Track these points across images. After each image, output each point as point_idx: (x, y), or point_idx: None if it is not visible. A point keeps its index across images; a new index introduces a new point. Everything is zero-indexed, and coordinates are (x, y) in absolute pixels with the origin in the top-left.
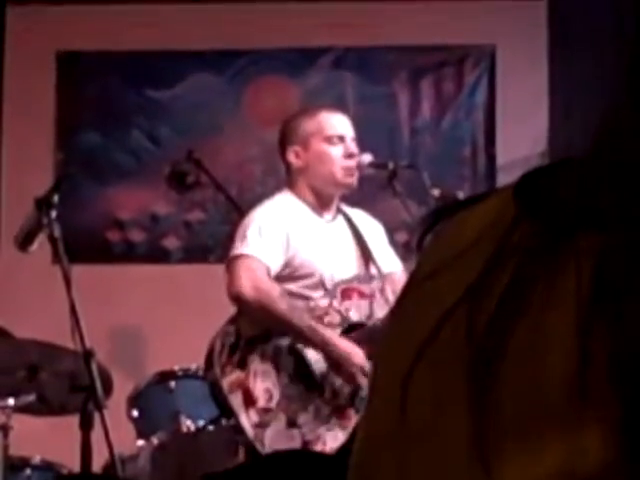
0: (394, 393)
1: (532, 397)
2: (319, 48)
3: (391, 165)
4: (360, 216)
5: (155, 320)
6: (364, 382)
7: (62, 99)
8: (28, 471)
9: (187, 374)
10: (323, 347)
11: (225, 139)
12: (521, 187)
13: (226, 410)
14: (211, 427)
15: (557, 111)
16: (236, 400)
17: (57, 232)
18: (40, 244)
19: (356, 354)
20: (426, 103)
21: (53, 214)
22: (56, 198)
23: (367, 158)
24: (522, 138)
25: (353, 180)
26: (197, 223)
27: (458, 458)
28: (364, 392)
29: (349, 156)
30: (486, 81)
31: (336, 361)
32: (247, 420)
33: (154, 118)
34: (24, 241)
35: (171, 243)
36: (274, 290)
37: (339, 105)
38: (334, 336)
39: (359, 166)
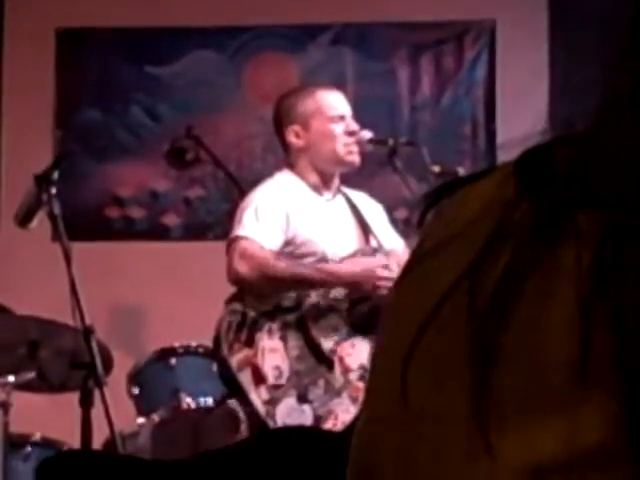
0: (395, 371)
1: (533, 376)
2: (319, 25)
3: (391, 142)
4: (360, 197)
5: (155, 297)
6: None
7: (61, 76)
8: (28, 448)
9: (187, 351)
10: (338, 281)
11: (225, 116)
12: (521, 164)
13: (235, 389)
14: (212, 404)
15: (557, 87)
16: (245, 378)
17: (57, 209)
18: (40, 221)
19: (371, 266)
20: (426, 79)
21: (53, 191)
22: (56, 175)
23: (367, 134)
24: (522, 114)
25: (355, 158)
26: (197, 200)
27: (458, 436)
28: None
29: (350, 133)
30: (486, 57)
31: (355, 285)
32: (257, 397)
33: (154, 95)
34: (24, 218)
35: (171, 220)
36: (269, 255)
37: (339, 82)
38: (340, 265)
39: (359, 142)
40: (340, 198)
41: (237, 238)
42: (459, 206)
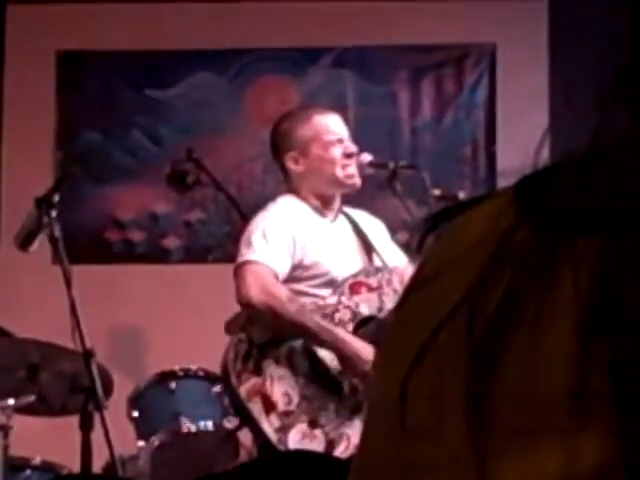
0: (394, 394)
1: (531, 400)
2: (319, 48)
3: (391, 165)
4: (361, 215)
5: (155, 320)
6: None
7: (62, 98)
8: (28, 472)
9: (187, 374)
10: (335, 347)
11: (225, 139)
12: (520, 190)
13: (245, 419)
14: (211, 427)
15: (558, 110)
16: (256, 407)
17: (57, 232)
18: (40, 244)
19: (369, 351)
20: (426, 102)
21: (53, 214)
22: (56, 198)
23: (367, 158)
24: (523, 137)
25: (356, 180)
26: (197, 223)
27: (456, 459)
28: None
29: (348, 155)
30: (487, 80)
31: (349, 360)
32: (269, 425)
33: (154, 117)
34: (24, 241)
35: (171, 243)
36: (283, 293)
37: (339, 104)
38: (346, 335)
39: (359, 166)
40: (342, 219)
41: (249, 262)
42: (459, 231)
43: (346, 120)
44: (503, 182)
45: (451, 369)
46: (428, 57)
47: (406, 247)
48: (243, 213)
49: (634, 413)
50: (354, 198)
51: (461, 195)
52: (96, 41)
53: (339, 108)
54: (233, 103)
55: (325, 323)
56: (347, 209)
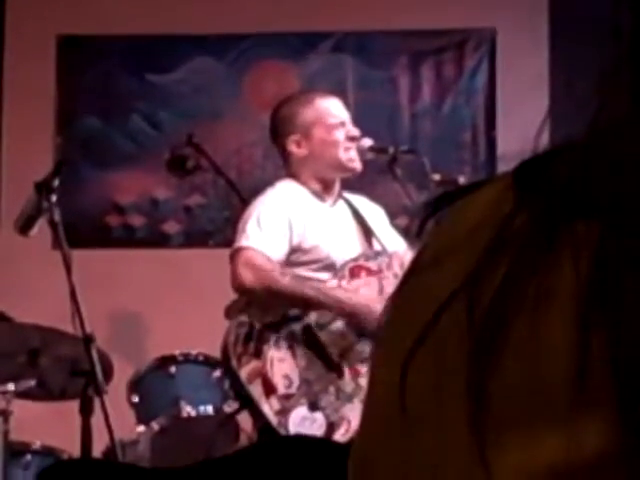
0: (393, 381)
1: (531, 388)
2: (319, 33)
3: (391, 150)
4: (361, 201)
5: (155, 305)
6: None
7: (62, 83)
8: (28, 456)
9: (188, 359)
10: (337, 307)
11: (225, 123)
12: (520, 174)
13: (245, 402)
14: (211, 412)
15: (558, 95)
16: (256, 389)
17: (57, 216)
18: (40, 228)
19: (371, 303)
20: (426, 87)
21: (53, 198)
22: (56, 182)
23: (367, 142)
24: (523, 122)
25: (357, 164)
26: (197, 207)
27: (457, 447)
28: None
29: (351, 139)
30: (486, 65)
31: (353, 317)
32: (269, 408)
33: (154, 102)
34: (24, 225)
35: (171, 227)
36: (274, 268)
37: (339, 89)
38: (345, 294)
39: (360, 150)
40: (341, 203)
41: (241, 249)
42: (458, 216)
43: (346, 105)
44: (503, 167)
45: (451, 356)
46: (428, 42)
47: (406, 232)
48: (243, 198)
49: (635, 401)
50: (354, 183)
51: (461, 180)
52: (96, 26)
53: (339, 93)
54: (233, 88)
55: (322, 286)
56: (347, 194)
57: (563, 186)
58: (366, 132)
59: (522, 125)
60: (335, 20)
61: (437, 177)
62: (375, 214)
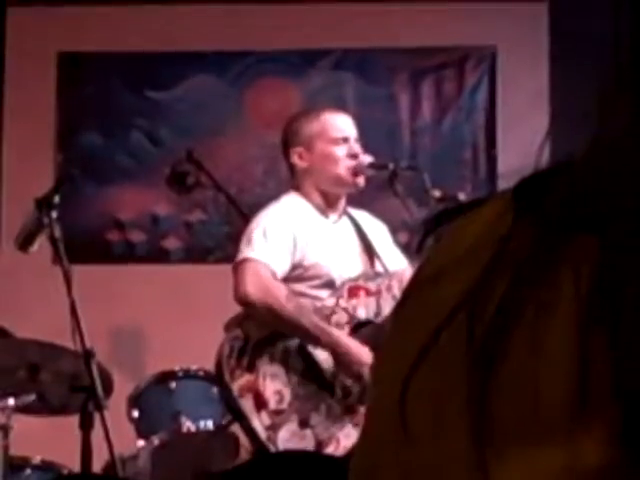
0: (394, 396)
1: (532, 403)
2: (320, 50)
3: (391, 166)
4: (364, 217)
5: (155, 320)
6: None
7: (63, 100)
8: (28, 471)
9: (187, 374)
10: (331, 347)
11: (225, 140)
12: (519, 191)
13: (236, 415)
14: (211, 427)
15: (558, 113)
16: (247, 403)
17: (57, 232)
18: (40, 244)
19: (364, 353)
20: (426, 104)
21: (54, 214)
22: (57, 199)
23: (367, 159)
24: (523, 139)
25: (359, 180)
26: (197, 224)
27: (458, 462)
28: None
29: (353, 156)
30: (487, 82)
31: (344, 360)
32: (259, 423)
33: (154, 119)
34: (25, 241)
35: (171, 244)
36: (281, 291)
37: (339, 106)
38: (342, 335)
39: (360, 167)
40: (345, 220)
41: (247, 260)
42: (458, 233)
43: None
44: (503, 184)
45: (452, 371)
46: (428, 59)
47: (406, 248)
48: (243, 214)
49: (636, 412)
50: (355, 199)
51: (461, 197)
52: (96, 43)
53: (339, 110)
54: (233, 105)
55: (322, 323)
56: (351, 210)
57: (563, 202)
58: (366, 149)
59: (522, 142)
60: (335, 37)
61: (437, 194)
62: (378, 231)
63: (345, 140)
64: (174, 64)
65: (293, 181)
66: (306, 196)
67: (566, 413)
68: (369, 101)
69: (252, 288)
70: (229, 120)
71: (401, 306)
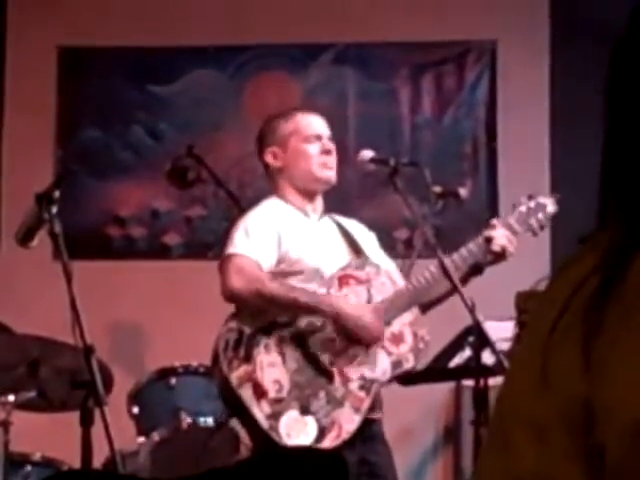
0: (536, 354)
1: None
2: (320, 44)
3: (392, 161)
4: (350, 222)
5: (155, 316)
6: (376, 335)
7: (63, 95)
8: (28, 467)
9: (187, 370)
10: (329, 311)
11: (226, 135)
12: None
13: (235, 408)
14: (212, 423)
15: (558, 107)
16: (246, 394)
17: (58, 228)
18: (40, 240)
19: (356, 309)
20: (427, 99)
21: (54, 210)
22: (57, 194)
23: (368, 154)
24: (523, 134)
25: (329, 173)
26: (198, 219)
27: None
28: (370, 373)
29: (326, 152)
30: (487, 77)
31: (344, 322)
32: (260, 412)
33: (155, 114)
34: (25, 237)
35: (171, 239)
36: (263, 274)
37: (340, 101)
38: (337, 298)
39: (361, 162)
40: (327, 219)
41: (230, 256)
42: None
43: (346, 117)
44: (504, 179)
45: (572, 330)
46: (429, 54)
47: (406, 244)
48: (243, 209)
49: None
50: (355, 194)
51: (462, 192)
52: (97, 38)
53: (340, 105)
54: (233, 100)
55: (311, 290)
56: (338, 217)
57: None
58: (366, 144)
59: (523, 136)
60: (336, 32)
61: (438, 189)
62: (365, 236)
63: (318, 138)
64: (174, 59)
65: (270, 182)
66: (284, 197)
67: None
68: (369, 96)
69: (236, 281)
70: (229, 115)
71: (549, 286)
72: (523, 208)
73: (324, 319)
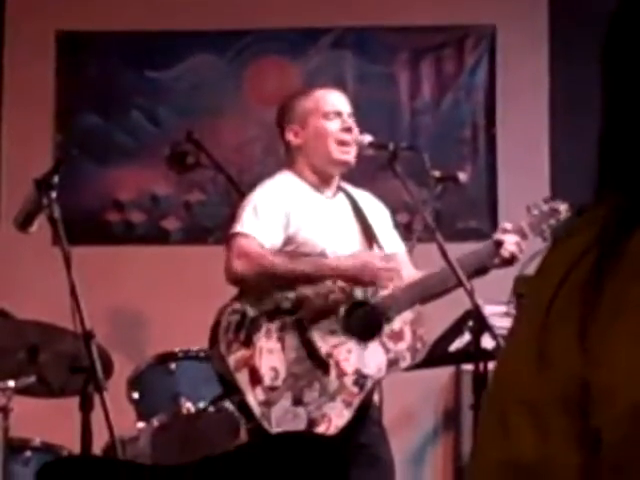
0: (535, 328)
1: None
2: (319, 28)
3: (391, 146)
4: (365, 197)
5: (155, 301)
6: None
7: (61, 80)
8: (28, 453)
9: (187, 355)
10: (335, 273)
11: (225, 120)
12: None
13: (230, 388)
14: (211, 408)
15: (557, 91)
16: (242, 378)
17: (57, 213)
18: (40, 225)
19: (369, 259)
20: (426, 84)
21: (53, 195)
22: (56, 179)
23: (367, 138)
24: (522, 118)
25: (350, 158)
26: (197, 204)
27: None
28: (366, 369)
29: (346, 130)
30: (486, 61)
31: (354, 278)
32: (254, 398)
33: (154, 99)
34: (24, 222)
35: (171, 224)
36: (266, 252)
37: (339, 85)
38: (341, 261)
39: (359, 146)
40: (341, 196)
41: (235, 235)
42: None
43: (347, 99)
44: (503, 163)
45: (569, 309)
46: (428, 39)
47: (406, 228)
48: (243, 194)
49: None
50: (354, 178)
51: (461, 177)
52: (96, 22)
53: (338, 89)
54: (233, 84)
55: (315, 259)
56: (351, 189)
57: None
58: (366, 128)
59: (522, 121)
60: (335, 16)
61: (437, 173)
62: (379, 212)
63: (338, 114)
64: (174, 43)
65: (287, 159)
66: (299, 173)
67: None
68: (369, 80)
69: (239, 265)
70: (229, 99)
71: (544, 261)
72: (536, 212)
73: (328, 308)
